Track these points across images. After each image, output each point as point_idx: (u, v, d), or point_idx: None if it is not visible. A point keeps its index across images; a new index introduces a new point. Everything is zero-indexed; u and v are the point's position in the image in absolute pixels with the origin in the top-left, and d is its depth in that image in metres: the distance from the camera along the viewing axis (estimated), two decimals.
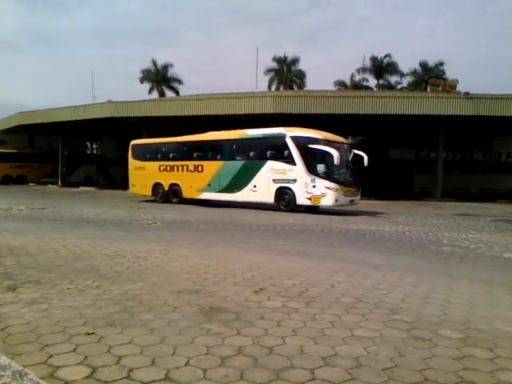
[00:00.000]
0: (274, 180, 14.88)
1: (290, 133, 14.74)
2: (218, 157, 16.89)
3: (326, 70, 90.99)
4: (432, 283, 4.93)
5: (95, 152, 46.42)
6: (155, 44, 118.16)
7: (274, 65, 48.38)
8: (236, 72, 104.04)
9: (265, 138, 15.68)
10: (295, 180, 14.34)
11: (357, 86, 46.24)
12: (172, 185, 18.00)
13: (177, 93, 47.51)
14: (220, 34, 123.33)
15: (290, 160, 14.48)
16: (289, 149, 14.52)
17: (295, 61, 48.37)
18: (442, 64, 45.58)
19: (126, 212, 13.48)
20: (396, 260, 6.50)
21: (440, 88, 35.81)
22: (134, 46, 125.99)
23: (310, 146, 13.99)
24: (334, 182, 13.74)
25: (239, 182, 15.87)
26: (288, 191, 14.59)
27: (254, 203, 15.57)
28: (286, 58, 48.24)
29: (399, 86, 46.69)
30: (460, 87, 35.92)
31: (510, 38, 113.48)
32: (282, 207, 14.80)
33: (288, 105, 22.06)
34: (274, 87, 47.45)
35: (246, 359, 2.76)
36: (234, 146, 16.66)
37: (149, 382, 2.44)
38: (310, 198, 14.06)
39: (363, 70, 46.93)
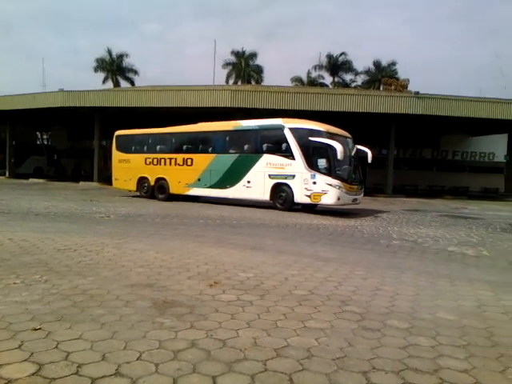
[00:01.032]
0: (270, 175, 13.78)
1: (288, 124, 13.63)
2: (209, 150, 15.73)
3: (284, 65, 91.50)
4: (381, 276, 5.11)
5: (46, 143, 44.53)
6: (111, 34, 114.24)
7: (232, 59, 48.36)
8: (193, 65, 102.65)
9: (260, 130, 14.50)
10: (293, 176, 13.23)
11: (313, 82, 46.95)
12: (158, 179, 16.78)
13: (132, 83, 46.39)
14: (178, 26, 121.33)
15: (288, 154, 13.38)
16: (287, 141, 13.41)
17: (253, 55, 48.55)
18: (394, 64, 47.10)
19: (78, 205, 13.05)
20: (348, 253, 6.69)
21: (392, 87, 36.96)
22: (89, 35, 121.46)
23: (311, 138, 12.90)
24: (337, 179, 12.55)
25: (232, 177, 14.73)
26: (285, 188, 13.46)
27: (249, 200, 14.66)
28: (244, 52, 48.30)
29: (354, 84, 47.81)
30: (411, 87, 37.26)
31: (458, 42, 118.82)
32: (279, 205, 13.65)
33: (247, 99, 22.08)
34: (231, 81, 47.45)
35: (199, 352, 2.76)
36: (227, 138, 15.46)
37: (98, 377, 2.39)
38: (309, 196, 12.89)
39: (319, 67, 47.80)
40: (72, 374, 2.41)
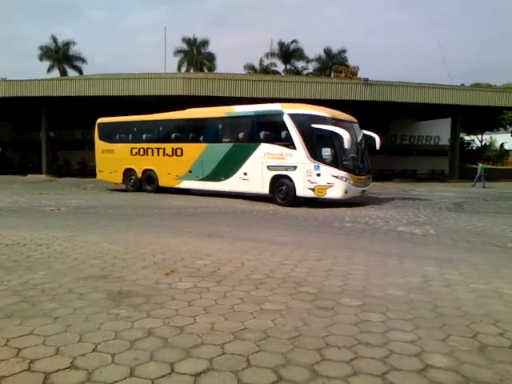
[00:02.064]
0: (268, 167, 12.51)
1: (288, 109, 12.38)
2: (201, 138, 14.40)
3: (236, 53, 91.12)
4: (335, 257, 5.28)
5: None
6: (56, 21, 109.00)
7: (184, 46, 47.46)
8: (144, 52, 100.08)
9: (257, 116, 13.16)
10: (295, 167, 11.97)
11: (265, 70, 46.97)
12: (146, 171, 15.48)
13: (80, 72, 44.55)
14: (128, 13, 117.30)
15: (288, 143, 12.12)
16: (287, 129, 12.15)
17: (205, 43, 47.89)
18: (344, 51, 47.84)
19: (27, 198, 12.50)
20: (302, 237, 6.83)
21: (343, 74, 37.72)
22: (33, 23, 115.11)
23: (314, 125, 11.70)
24: (343, 170, 11.50)
25: (226, 168, 13.46)
26: (286, 180, 12.20)
27: (247, 194, 13.57)
28: (195, 39, 47.53)
29: (305, 72, 48.24)
30: (360, 74, 38.17)
31: (404, 30, 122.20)
32: (279, 200, 12.29)
33: (199, 87, 21.78)
34: (183, 69, 46.60)
35: (156, 340, 2.76)
36: (220, 126, 14.14)
37: (52, 371, 2.34)
38: (313, 189, 11.70)
39: (271, 54, 47.82)
40: (23, 371, 2.36)
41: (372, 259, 5.22)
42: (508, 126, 38.71)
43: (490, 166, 37.19)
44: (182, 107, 15.75)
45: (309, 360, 2.52)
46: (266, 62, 48.29)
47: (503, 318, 3.20)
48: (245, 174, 13.02)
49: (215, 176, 13.75)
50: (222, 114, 14.03)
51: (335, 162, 11.55)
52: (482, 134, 42.56)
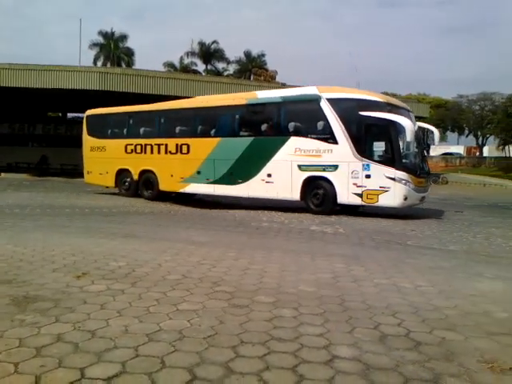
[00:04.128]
0: (300, 166, 10.28)
1: (327, 93, 10.07)
2: (213, 132, 11.99)
3: (155, 50, 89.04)
4: (251, 256, 5.40)
5: None
6: None
7: (100, 39, 45.41)
8: (57, 44, 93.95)
9: (286, 103, 10.81)
10: (336, 166, 9.80)
11: (186, 69, 46.50)
12: (144, 172, 13.00)
13: None
14: (36, 1, 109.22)
15: (327, 136, 9.92)
16: (326, 118, 9.91)
17: (123, 37, 46.34)
18: (263, 55, 48.91)
19: None
20: (220, 237, 6.90)
21: (262, 78, 38.51)
22: None
23: (363, 113, 9.54)
24: (402, 170, 9.36)
25: (245, 168, 11.09)
26: (323, 183, 10.05)
27: (270, 200, 11.26)
28: (113, 33, 45.79)
29: (226, 73, 48.55)
30: (278, 78, 39.26)
31: (318, 37, 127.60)
32: (313, 207, 10.25)
33: (117, 82, 21.04)
34: (100, 63, 44.57)
35: (66, 346, 2.65)
36: (237, 116, 11.68)
37: None
38: (360, 194, 9.58)
39: (192, 53, 47.54)
40: None
41: (286, 257, 5.42)
42: None
43: None
44: (96, 104, 15.03)
45: (223, 358, 2.57)
46: (187, 61, 47.94)
47: (401, 309, 3.51)
48: (269, 175, 10.71)
49: (230, 178, 11.32)
50: (242, 102, 11.61)
51: (391, 160, 9.39)
52: None
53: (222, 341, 2.81)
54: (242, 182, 11.11)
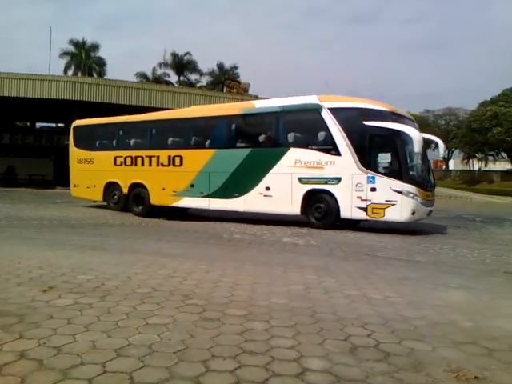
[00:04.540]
0: (300, 179, 9.90)
1: (328, 103, 9.76)
2: (207, 143, 11.52)
3: (127, 61, 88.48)
4: (223, 268, 5.37)
5: None
6: None
7: (71, 48, 44.72)
8: (24, 52, 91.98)
9: (285, 113, 10.45)
10: (339, 179, 9.44)
11: (158, 80, 46.29)
12: (134, 186, 12.35)
13: None
14: (5, 5, 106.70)
15: (329, 147, 9.57)
16: (327, 128, 9.59)
17: (95, 47, 45.74)
18: (236, 67, 49.22)
19: None
20: (192, 249, 6.85)
21: (234, 90, 38.75)
22: None
23: (367, 123, 9.16)
24: (410, 183, 9.00)
25: (241, 181, 10.66)
26: (325, 196, 9.68)
27: (269, 214, 10.77)
28: (84, 42, 45.12)
29: (199, 85, 48.60)
30: (251, 91, 39.60)
31: (292, 51, 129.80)
32: (314, 221, 9.91)
33: (88, 93, 20.77)
34: (70, 72, 43.86)
35: (30, 363, 2.56)
36: (233, 127, 11.22)
37: None
38: (364, 209, 9.21)
39: (165, 64, 47.38)
40: None
41: (258, 269, 5.42)
42: None
43: None
44: (65, 113, 14.77)
45: (194, 372, 2.54)
46: (159, 72, 47.69)
47: (371, 320, 3.55)
48: (267, 188, 10.30)
49: (226, 191, 10.87)
50: (238, 111, 11.33)
51: (398, 173, 9.01)
52: None
53: (192, 355, 2.78)
54: (238, 196, 10.73)
